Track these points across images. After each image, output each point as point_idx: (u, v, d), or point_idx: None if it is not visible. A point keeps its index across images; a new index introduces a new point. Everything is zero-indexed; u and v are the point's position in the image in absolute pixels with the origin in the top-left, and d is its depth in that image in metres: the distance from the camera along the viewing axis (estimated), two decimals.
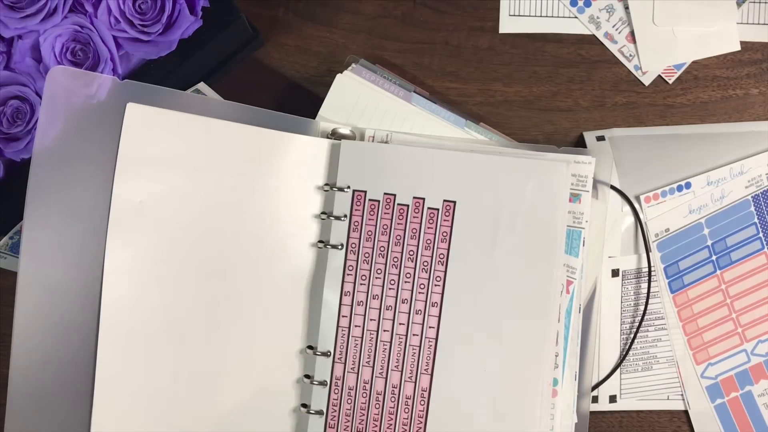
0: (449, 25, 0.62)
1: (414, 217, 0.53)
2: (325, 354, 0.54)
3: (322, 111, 0.56)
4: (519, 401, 0.52)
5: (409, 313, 0.53)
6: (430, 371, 0.53)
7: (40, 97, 0.53)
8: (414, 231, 0.53)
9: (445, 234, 0.53)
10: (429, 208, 0.53)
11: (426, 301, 0.53)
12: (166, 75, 0.56)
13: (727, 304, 0.59)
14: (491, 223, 0.53)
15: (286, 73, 0.62)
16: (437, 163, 0.53)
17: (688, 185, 0.59)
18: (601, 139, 0.60)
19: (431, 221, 0.53)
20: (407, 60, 0.62)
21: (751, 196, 0.59)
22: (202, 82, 0.59)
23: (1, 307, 0.62)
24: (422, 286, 0.53)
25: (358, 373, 0.54)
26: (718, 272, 0.59)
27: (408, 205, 0.53)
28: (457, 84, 0.62)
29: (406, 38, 0.62)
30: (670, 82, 0.61)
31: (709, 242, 0.59)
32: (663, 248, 0.59)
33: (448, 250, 0.53)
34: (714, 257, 0.59)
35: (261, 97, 0.62)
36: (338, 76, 0.56)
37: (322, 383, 0.54)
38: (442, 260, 0.53)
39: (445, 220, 0.53)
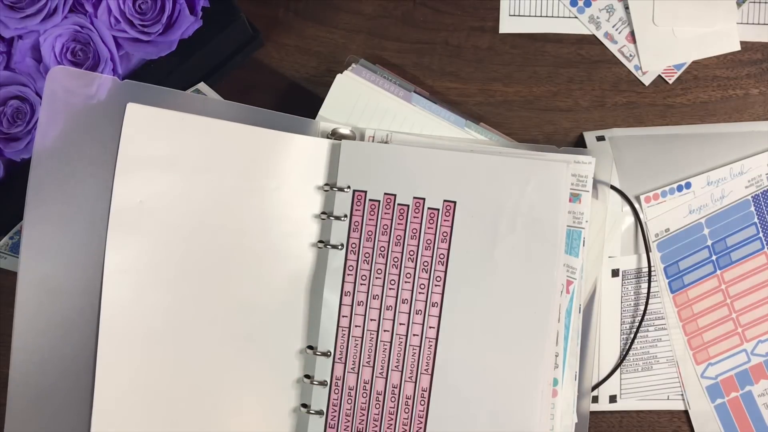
0: (449, 25, 0.62)
1: (414, 217, 0.53)
2: (325, 354, 0.54)
3: (322, 111, 0.56)
4: (519, 401, 0.52)
5: (409, 313, 0.53)
6: (430, 371, 0.53)
7: (40, 97, 0.53)
8: (414, 231, 0.53)
9: (445, 234, 0.53)
10: (429, 208, 0.53)
11: (426, 301, 0.53)
12: (166, 75, 0.56)
13: (727, 304, 0.59)
14: (491, 223, 0.53)
15: (286, 73, 0.62)
16: (437, 163, 0.53)
17: (688, 185, 0.59)
18: (601, 139, 0.60)
19: (431, 221, 0.53)
20: (407, 60, 0.62)
21: (751, 196, 0.59)
22: (202, 82, 0.59)
23: (1, 307, 0.62)
24: (422, 286, 0.53)
25: (358, 373, 0.54)
26: (718, 272, 0.59)
27: (408, 205, 0.53)
28: (457, 84, 0.62)
29: (406, 38, 0.62)
30: (670, 82, 0.61)
31: (709, 242, 0.59)
32: (663, 248, 0.59)
33: (449, 250, 0.53)
34: (714, 257, 0.59)
35: (261, 97, 0.62)
36: (338, 76, 0.56)
37: (322, 383, 0.54)
38: (442, 260, 0.53)
39: (445, 221, 0.53)
